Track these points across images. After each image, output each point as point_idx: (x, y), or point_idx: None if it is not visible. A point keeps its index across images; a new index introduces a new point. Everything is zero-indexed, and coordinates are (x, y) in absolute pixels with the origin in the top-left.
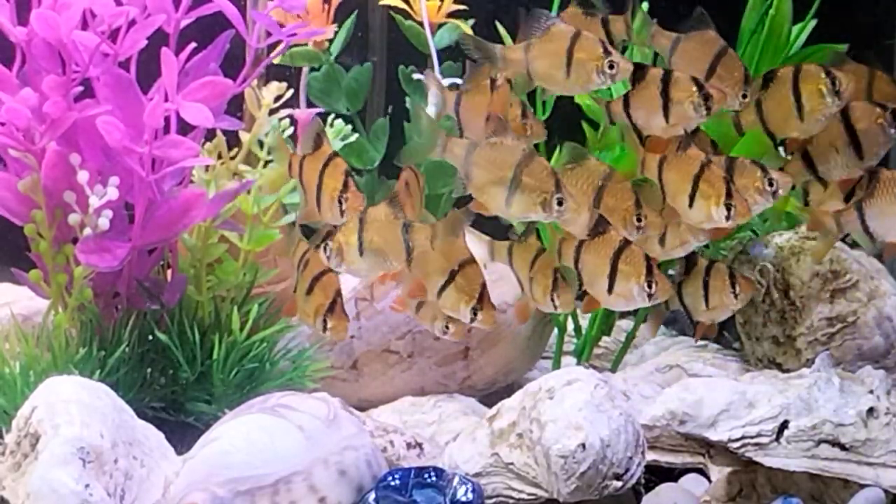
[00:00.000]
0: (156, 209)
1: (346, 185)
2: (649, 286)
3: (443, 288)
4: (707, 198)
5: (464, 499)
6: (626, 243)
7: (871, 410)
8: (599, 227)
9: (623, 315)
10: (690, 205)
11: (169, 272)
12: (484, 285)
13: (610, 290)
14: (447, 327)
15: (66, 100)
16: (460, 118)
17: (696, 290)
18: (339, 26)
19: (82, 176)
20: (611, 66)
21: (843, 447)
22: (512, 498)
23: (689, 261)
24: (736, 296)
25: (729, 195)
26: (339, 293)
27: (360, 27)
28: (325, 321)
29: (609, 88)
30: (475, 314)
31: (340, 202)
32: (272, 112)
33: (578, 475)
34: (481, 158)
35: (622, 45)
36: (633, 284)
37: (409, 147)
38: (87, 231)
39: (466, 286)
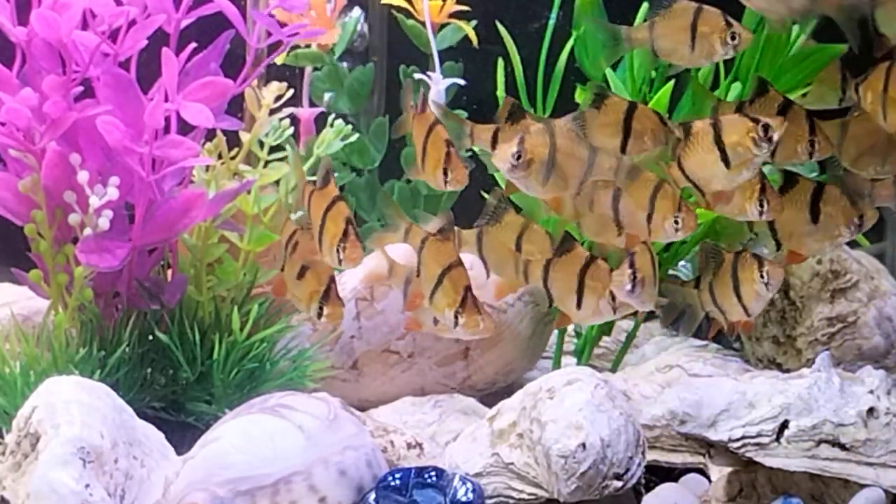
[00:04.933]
0: (156, 209)
1: (346, 233)
2: (613, 298)
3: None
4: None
5: (464, 499)
6: (591, 259)
7: (871, 410)
8: (565, 244)
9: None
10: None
11: (169, 272)
12: (468, 288)
13: (578, 305)
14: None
15: (66, 100)
16: None
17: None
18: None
19: (82, 176)
20: (733, 37)
21: (843, 447)
22: (512, 498)
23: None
24: None
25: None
26: (332, 279)
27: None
28: (320, 308)
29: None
30: (457, 318)
31: (338, 251)
32: (272, 112)
33: (579, 475)
34: None
35: None
36: (599, 298)
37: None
38: (88, 231)
39: (452, 290)
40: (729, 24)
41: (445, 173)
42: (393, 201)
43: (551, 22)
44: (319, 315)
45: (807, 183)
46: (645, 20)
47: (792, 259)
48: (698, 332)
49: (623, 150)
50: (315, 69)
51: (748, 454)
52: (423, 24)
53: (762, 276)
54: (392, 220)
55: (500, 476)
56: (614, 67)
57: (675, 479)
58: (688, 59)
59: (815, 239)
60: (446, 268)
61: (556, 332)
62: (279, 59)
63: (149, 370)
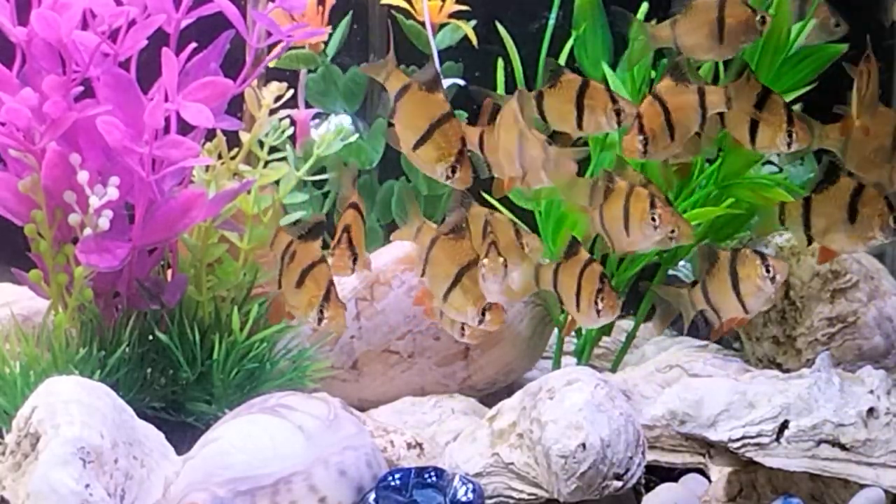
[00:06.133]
0: (156, 209)
1: (339, 240)
2: (598, 303)
3: (448, 291)
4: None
5: (464, 499)
6: (588, 263)
7: (871, 410)
8: (572, 248)
9: (623, 314)
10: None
11: (169, 272)
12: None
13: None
14: (464, 328)
15: (66, 100)
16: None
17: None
18: (335, 28)
19: (82, 176)
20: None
21: (843, 447)
22: (512, 498)
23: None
24: None
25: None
26: (332, 283)
27: (359, 28)
28: (321, 312)
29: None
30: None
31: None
32: (272, 112)
33: (579, 475)
34: None
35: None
36: (587, 301)
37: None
38: (88, 231)
39: (475, 288)
40: (754, 12)
41: (453, 171)
42: (413, 199)
43: (551, 22)
44: (320, 320)
45: (847, 181)
46: (646, 19)
47: (825, 255)
48: (696, 332)
49: (579, 126)
50: (309, 71)
51: (748, 454)
52: (423, 24)
53: (767, 271)
54: (408, 217)
55: (500, 476)
56: (613, 67)
57: (675, 479)
58: (717, 52)
59: (850, 238)
60: (465, 266)
61: (556, 332)
62: (272, 62)
63: (149, 370)
